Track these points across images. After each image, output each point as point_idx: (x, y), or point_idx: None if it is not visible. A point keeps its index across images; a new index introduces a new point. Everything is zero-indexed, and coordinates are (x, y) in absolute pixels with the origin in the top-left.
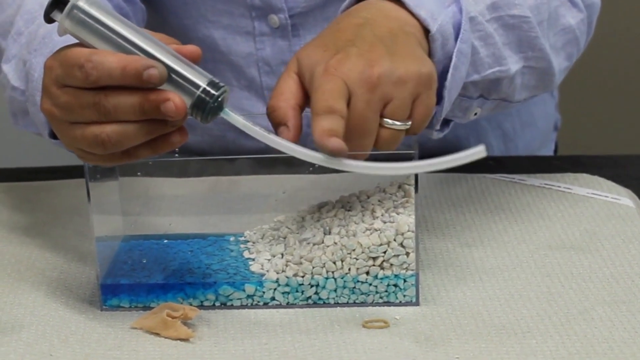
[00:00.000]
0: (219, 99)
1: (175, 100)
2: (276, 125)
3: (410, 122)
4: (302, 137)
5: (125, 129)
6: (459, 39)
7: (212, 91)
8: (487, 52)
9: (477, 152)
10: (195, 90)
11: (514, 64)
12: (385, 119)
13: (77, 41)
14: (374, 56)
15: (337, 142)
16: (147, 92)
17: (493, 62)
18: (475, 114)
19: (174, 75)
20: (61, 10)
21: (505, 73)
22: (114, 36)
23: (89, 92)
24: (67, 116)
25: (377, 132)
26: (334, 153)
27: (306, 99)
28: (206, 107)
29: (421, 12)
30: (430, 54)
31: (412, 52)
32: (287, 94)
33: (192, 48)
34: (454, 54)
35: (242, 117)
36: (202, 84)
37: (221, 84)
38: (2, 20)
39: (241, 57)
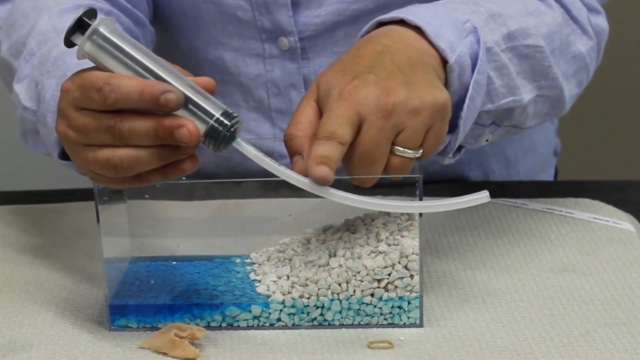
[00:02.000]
0: (232, 129)
1: (189, 126)
2: (292, 154)
3: (421, 151)
4: None
5: (137, 154)
6: (475, 70)
7: (226, 121)
8: (501, 82)
9: (480, 198)
10: (209, 119)
11: (527, 93)
12: (396, 147)
13: (91, 65)
14: (391, 85)
15: (323, 171)
16: (162, 118)
17: (507, 92)
18: (487, 140)
19: (189, 104)
20: (82, 34)
21: (518, 103)
22: (132, 63)
23: (106, 115)
24: (82, 139)
25: (388, 159)
26: (317, 181)
27: None
28: (219, 136)
29: (441, 42)
30: (446, 84)
31: (429, 82)
32: (305, 123)
33: (207, 80)
34: (471, 85)
35: (254, 148)
36: (216, 113)
37: (235, 114)
38: (14, 40)
39: (250, 78)
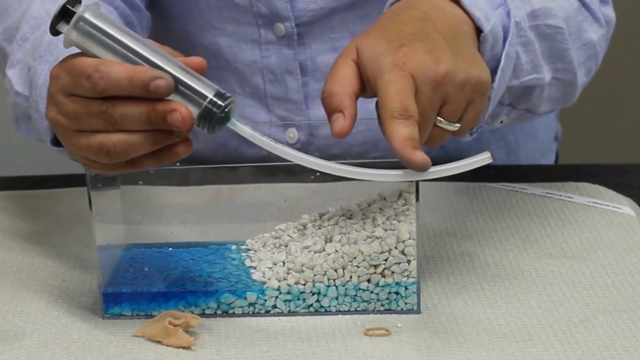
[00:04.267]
0: (226, 109)
1: (182, 110)
2: (330, 112)
3: (459, 125)
4: (307, 143)
5: (131, 138)
6: (507, 42)
7: (219, 102)
8: (527, 59)
9: (482, 159)
10: (202, 100)
11: (546, 73)
12: (438, 118)
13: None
14: (440, 53)
15: (421, 156)
16: (154, 102)
17: (532, 69)
18: (501, 122)
19: (180, 86)
20: (67, 22)
21: (541, 81)
22: (120, 48)
23: (96, 101)
24: (73, 125)
25: None
26: (418, 167)
27: (362, 88)
28: (213, 117)
29: (476, 11)
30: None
31: (472, 55)
32: (344, 81)
33: (197, 60)
34: (503, 57)
35: (249, 127)
36: (209, 94)
37: (228, 95)
38: (7, 24)
39: (246, 64)
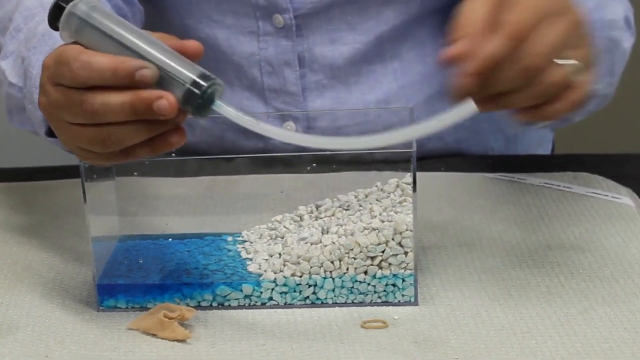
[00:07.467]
0: (208, 91)
1: (168, 97)
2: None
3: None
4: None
5: (125, 126)
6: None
7: (201, 82)
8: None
9: (466, 107)
10: (184, 83)
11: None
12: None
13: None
14: None
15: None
16: (138, 91)
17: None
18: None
19: (162, 72)
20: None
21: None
22: (109, 38)
23: (77, 90)
24: (60, 114)
25: None
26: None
27: None
28: (196, 100)
29: None
30: None
31: None
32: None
33: (194, 44)
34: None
35: (234, 108)
36: (192, 76)
37: (212, 76)
38: (0, 16)
39: (243, 57)
